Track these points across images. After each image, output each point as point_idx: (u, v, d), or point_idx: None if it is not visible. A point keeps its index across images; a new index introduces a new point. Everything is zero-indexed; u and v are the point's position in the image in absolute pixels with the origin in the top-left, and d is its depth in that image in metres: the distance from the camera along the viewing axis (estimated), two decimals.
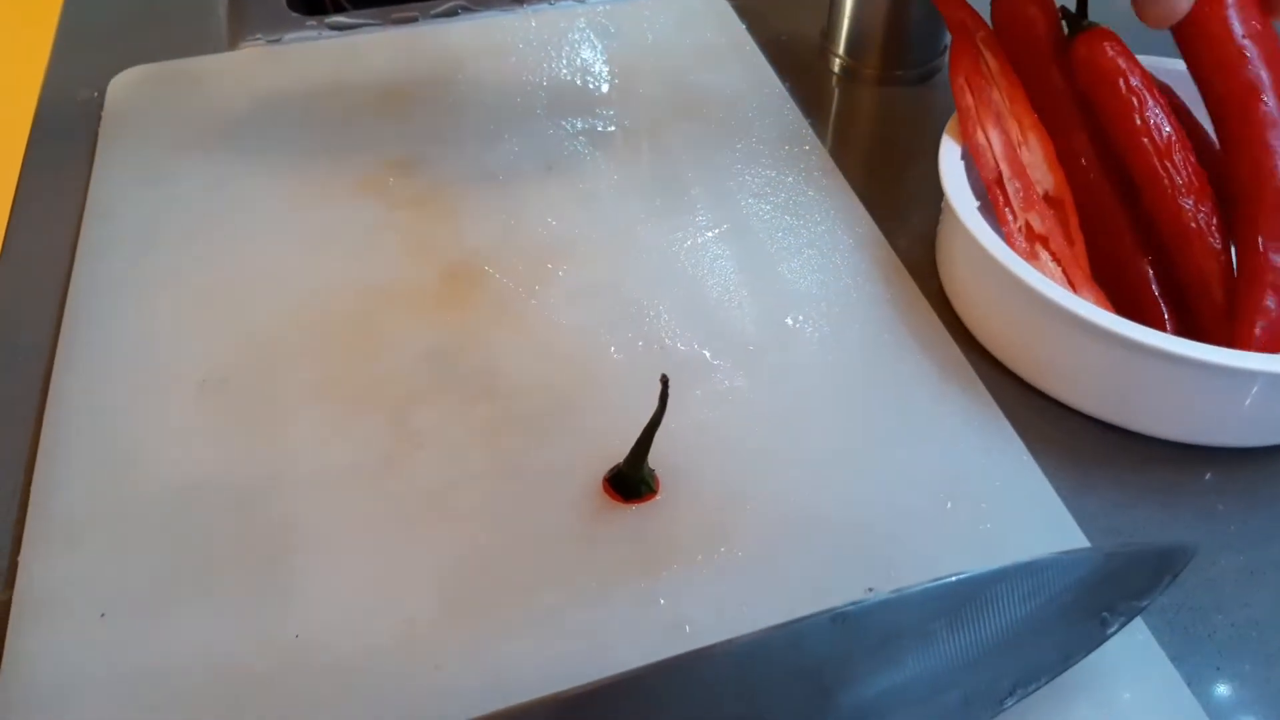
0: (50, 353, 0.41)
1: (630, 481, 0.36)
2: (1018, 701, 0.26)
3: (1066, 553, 0.27)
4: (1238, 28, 0.41)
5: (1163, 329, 0.38)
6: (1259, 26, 0.41)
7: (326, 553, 0.35)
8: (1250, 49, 0.41)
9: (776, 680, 0.25)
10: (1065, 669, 0.27)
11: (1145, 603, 0.27)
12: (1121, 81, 0.42)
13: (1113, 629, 0.27)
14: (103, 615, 0.33)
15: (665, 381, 0.33)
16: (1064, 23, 0.45)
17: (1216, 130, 0.42)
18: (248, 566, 0.34)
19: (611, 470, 0.37)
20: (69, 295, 0.44)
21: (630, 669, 0.26)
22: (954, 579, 0.26)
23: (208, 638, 0.32)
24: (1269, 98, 0.40)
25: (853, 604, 0.26)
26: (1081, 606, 0.27)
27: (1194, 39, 0.42)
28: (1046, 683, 0.26)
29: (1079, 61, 0.44)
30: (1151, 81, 0.42)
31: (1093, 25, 0.44)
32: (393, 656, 0.32)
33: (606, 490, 0.36)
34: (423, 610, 0.33)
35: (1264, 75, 0.40)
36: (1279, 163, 0.39)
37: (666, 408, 0.34)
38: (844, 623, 0.25)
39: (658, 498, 0.36)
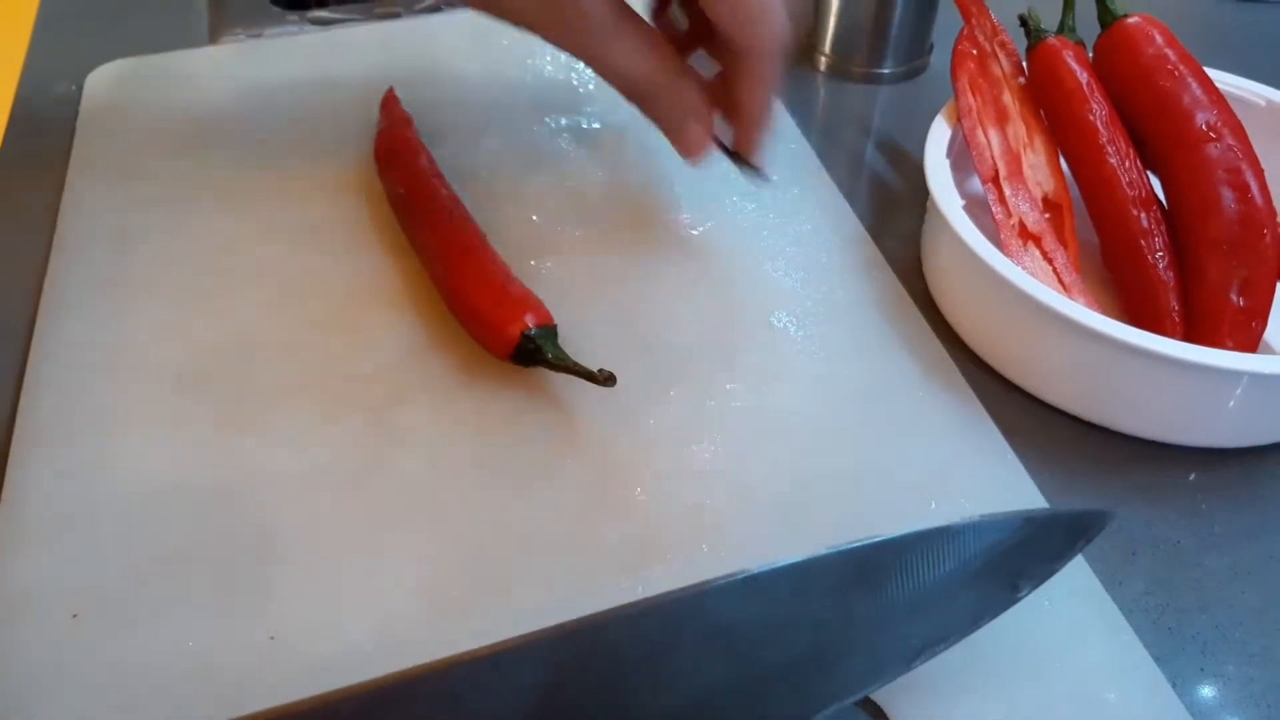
0: (24, 350, 0.41)
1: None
2: (925, 661, 0.26)
3: (986, 516, 0.27)
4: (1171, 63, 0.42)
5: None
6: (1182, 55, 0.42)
7: (303, 552, 0.34)
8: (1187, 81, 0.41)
9: (685, 642, 0.25)
10: (975, 629, 0.27)
11: (1058, 566, 0.28)
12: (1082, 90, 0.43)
13: (1023, 592, 0.27)
14: (75, 616, 0.32)
15: None
16: (1023, 31, 0.45)
17: (1156, 163, 0.42)
18: (224, 567, 0.34)
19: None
20: (44, 292, 0.43)
21: (529, 632, 0.25)
22: (869, 542, 0.25)
23: (182, 638, 0.32)
24: (1209, 130, 0.40)
25: (765, 566, 0.26)
26: (995, 569, 0.27)
27: (1127, 79, 0.43)
28: (955, 643, 0.26)
29: (1036, 71, 0.45)
30: (1106, 93, 0.43)
31: (1048, 34, 0.45)
32: (370, 657, 0.32)
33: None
34: (401, 611, 0.33)
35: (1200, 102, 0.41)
36: (1225, 198, 0.39)
37: None
38: (754, 585, 0.25)
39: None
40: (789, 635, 0.26)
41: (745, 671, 0.25)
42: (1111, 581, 0.34)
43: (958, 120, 0.45)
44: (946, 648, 0.27)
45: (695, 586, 0.26)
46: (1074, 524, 0.29)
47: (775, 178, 0.47)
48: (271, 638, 0.32)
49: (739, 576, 0.25)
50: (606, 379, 0.37)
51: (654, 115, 0.41)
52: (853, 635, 0.26)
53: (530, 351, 0.38)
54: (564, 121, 0.53)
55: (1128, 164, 0.41)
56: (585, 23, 0.38)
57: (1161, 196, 0.42)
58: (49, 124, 0.52)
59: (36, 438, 0.38)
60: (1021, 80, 0.46)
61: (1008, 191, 0.43)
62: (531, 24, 0.39)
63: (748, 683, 0.25)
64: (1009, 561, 0.27)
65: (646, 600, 0.26)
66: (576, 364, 0.38)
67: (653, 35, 0.40)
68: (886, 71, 0.57)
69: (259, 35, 0.59)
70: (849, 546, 0.27)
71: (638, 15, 0.40)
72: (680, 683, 0.25)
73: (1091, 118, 0.42)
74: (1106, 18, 0.44)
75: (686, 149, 0.42)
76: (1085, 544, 0.28)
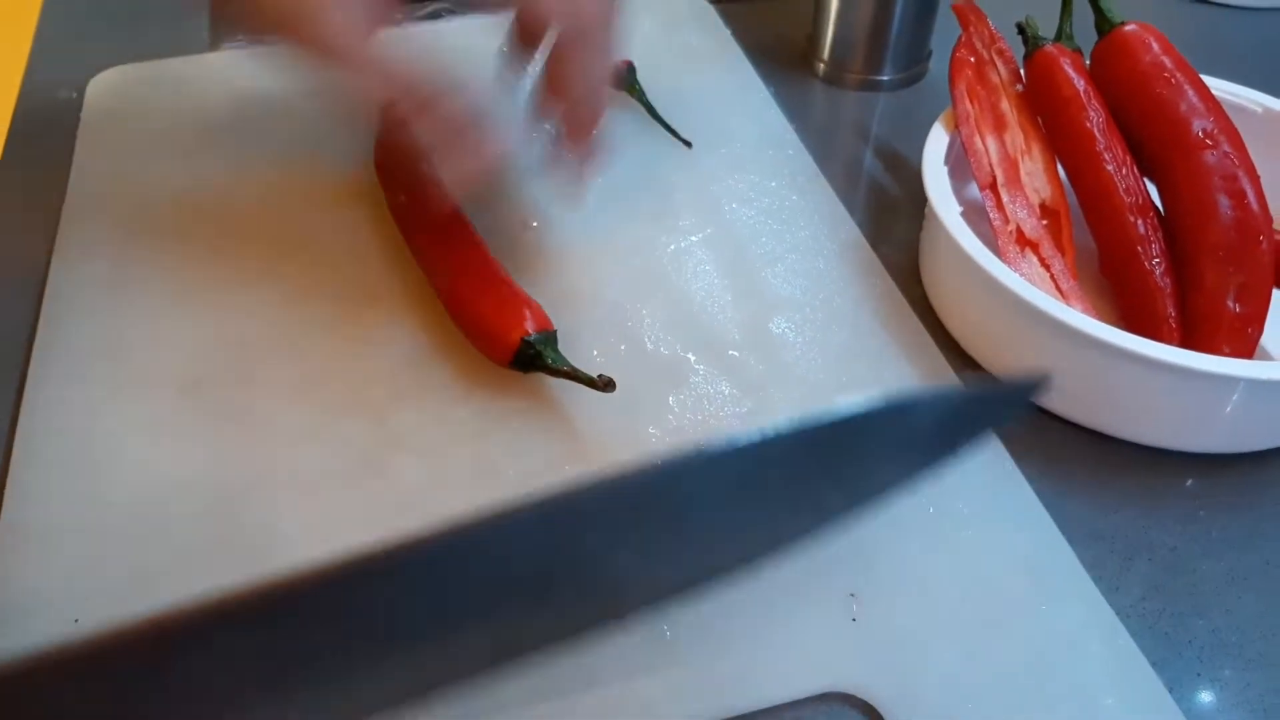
0: (25, 354, 0.41)
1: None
2: (857, 516, 0.27)
3: (927, 388, 0.27)
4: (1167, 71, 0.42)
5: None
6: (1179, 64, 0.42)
7: (305, 556, 0.34)
8: (1184, 89, 0.41)
9: (626, 515, 0.25)
10: (911, 486, 0.27)
11: (999, 428, 0.29)
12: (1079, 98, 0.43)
13: (962, 452, 0.27)
14: (76, 621, 0.32)
15: None
16: (1021, 39, 0.46)
17: (1153, 170, 0.42)
18: (225, 571, 0.34)
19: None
20: (45, 296, 0.43)
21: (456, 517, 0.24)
22: (817, 418, 0.25)
23: None
24: (1206, 138, 0.40)
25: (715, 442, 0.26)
26: (933, 432, 0.27)
27: (1124, 86, 0.43)
28: (890, 499, 0.27)
29: (1033, 78, 0.45)
30: (1103, 100, 0.43)
31: (1046, 42, 0.45)
32: None
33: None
34: None
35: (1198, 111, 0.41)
36: (1222, 204, 0.39)
37: None
38: (705, 457, 0.25)
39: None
40: (728, 503, 0.26)
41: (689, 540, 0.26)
42: (1109, 587, 0.34)
43: (955, 127, 0.45)
44: (884, 503, 0.27)
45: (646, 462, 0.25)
46: (1016, 390, 0.29)
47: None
48: None
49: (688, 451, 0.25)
50: (606, 384, 0.37)
51: (421, 134, 0.39)
52: (793, 496, 0.26)
53: (530, 357, 0.38)
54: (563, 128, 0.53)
55: (1125, 171, 0.41)
56: (340, 28, 0.37)
57: (1158, 203, 0.42)
58: (51, 129, 0.53)
59: (39, 442, 0.38)
60: (1019, 88, 0.46)
61: (1005, 198, 0.43)
62: (271, 26, 0.38)
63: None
64: (949, 425, 0.27)
65: (588, 478, 0.25)
66: (576, 369, 0.38)
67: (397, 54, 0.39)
68: (885, 79, 0.57)
69: (260, 42, 0.59)
70: (794, 421, 0.26)
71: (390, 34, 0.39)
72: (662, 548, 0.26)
73: (1089, 125, 0.42)
74: (1104, 26, 0.44)
75: (449, 170, 0.40)
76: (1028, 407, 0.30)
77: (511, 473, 0.37)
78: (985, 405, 0.28)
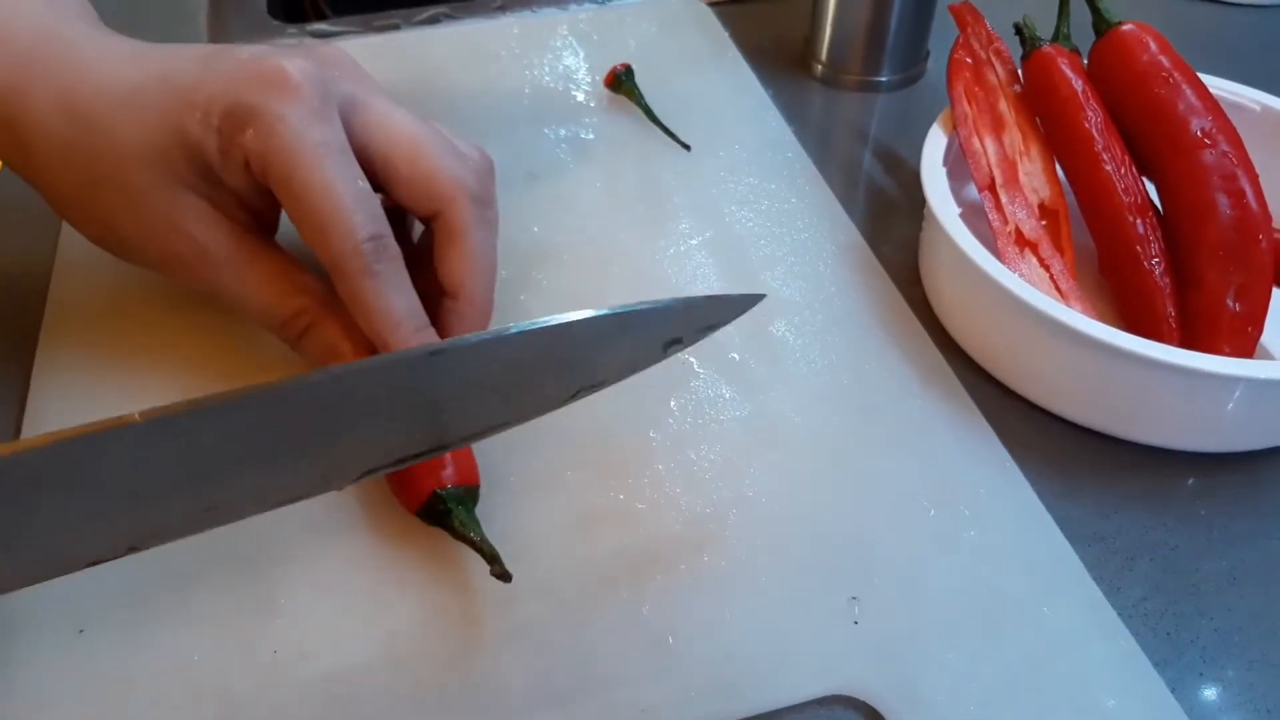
0: (29, 361, 0.41)
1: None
2: (579, 400, 0.32)
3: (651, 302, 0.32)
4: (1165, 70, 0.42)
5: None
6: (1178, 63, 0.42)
7: (306, 567, 0.34)
8: (1182, 89, 0.41)
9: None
10: (630, 375, 0.32)
11: (714, 329, 0.33)
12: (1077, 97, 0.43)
13: (674, 350, 0.32)
14: (81, 631, 0.33)
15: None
16: (1019, 39, 0.46)
17: (1152, 170, 0.42)
18: (227, 582, 0.34)
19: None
20: (48, 302, 0.43)
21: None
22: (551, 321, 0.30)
23: (186, 654, 0.32)
24: (1204, 137, 0.40)
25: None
26: (655, 333, 0.32)
27: (1122, 86, 0.43)
28: (608, 385, 0.32)
29: (1031, 79, 0.45)
30: (1101, 100, 0.43)
31: (1044, 43, 0.45)
32: (373, 671, 0.32)
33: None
34: (403, 624, 0.33)
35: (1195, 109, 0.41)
36: (1221, 204, 0.39)
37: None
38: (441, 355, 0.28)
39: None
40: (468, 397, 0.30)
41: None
42: (1110, 587, 0.34)
43: (954, 128, 0.45)
44: (599, 388, 0.32)
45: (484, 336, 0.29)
46: (734, 302, 0.33)
47: None
48: (275, 652, 0.32)
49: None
50: (501, 575, 0.32)
51: (301, 352, 0.37)
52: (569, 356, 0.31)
53: (440, 513, 0.34)
54: (563, 132, 0.53)
55: (1123, 171, 0.41)
56: (205, 258, 0.36)
57: (1157, 203, 0.42)
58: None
59: None
60: (1017, 88, 0.46)
61: (1004, 199, 0.43)
62: (153, 265, 0.37)
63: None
64: (669, 329, 0.32)
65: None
66: (483, 541, 0.33)
67: (291, 265, 0.37)
68: (883, 80, 0.57)
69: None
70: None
71: (273, 244, 0.37)
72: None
73: (1087, 125, 0.42)
74: (1101, 25, 0.44)
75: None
76: (740, 314, 0.33)
77: (512, 479, 0.37)
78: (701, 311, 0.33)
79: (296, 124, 0.33)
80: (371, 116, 0.36)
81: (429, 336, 0.35)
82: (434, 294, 0.36)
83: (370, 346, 0.35)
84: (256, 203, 0.36)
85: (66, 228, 0.47)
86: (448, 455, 0.34)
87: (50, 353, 0.42)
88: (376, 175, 0.36)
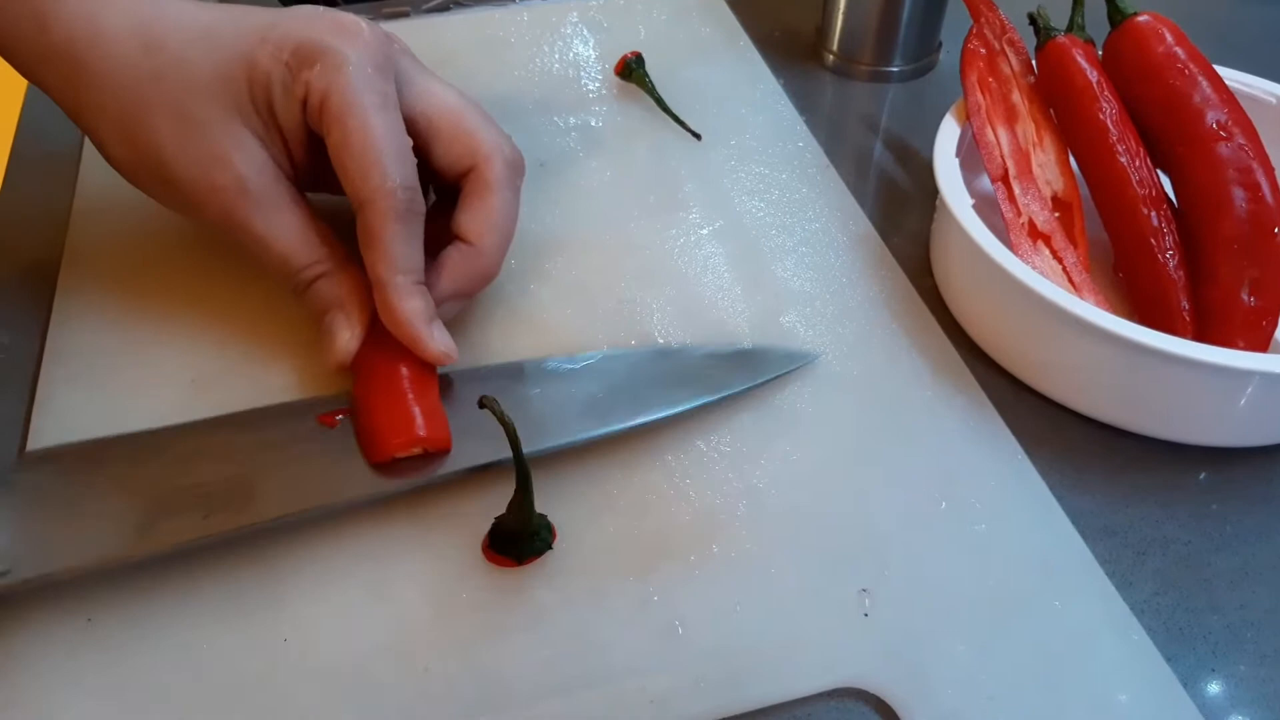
0: (39, 355, 0.41)
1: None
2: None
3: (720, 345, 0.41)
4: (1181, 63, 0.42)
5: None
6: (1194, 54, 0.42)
7: (315, 557, 0.34)
8: (1198, 80, 0.41)
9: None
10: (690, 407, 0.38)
11: (761, 381, 0.40)
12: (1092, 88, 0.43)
13: (726, 394, 0.39)
14: (90, 620, 0.33)
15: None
16: (1033, 29, 0.45)
17: (1166, 162, 0.42)
18: (236, 572, 0.34)
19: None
20: (57, 295, 0.43)
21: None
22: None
23: (196, 642, 0.32)
24: (1219, 129, 0.40)
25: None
26: (712, 378, 0.39)
27: (1137, 77, 0.42)
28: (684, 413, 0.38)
29: (1045, 69, 0.44)
30: (1115, 91, 0.43)
31: (1058, 33, 0.44)
32: (382, 659, 0.32)
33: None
34: (413, 612, 0.33)
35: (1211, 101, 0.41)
36: (1236, 197, 0.39)
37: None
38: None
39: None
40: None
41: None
42: (1123, 582, 0.34)
43: (967, 119, 0.45)
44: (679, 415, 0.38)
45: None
46: (784, 358, 0.41)
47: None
48: (285, 640, 0.32)
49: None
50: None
51: (305, 302, 0.38)
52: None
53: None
54: (572, 120, 0.53)
55: (1138, 163, 0.41)
56: (243, 193, 0.37)
57: (1172, 195, 0.42)
58: (60, 131, 0.52)
59: (51, 441, 0.38)
60: (1031, 79, 0.46)
61: (1017, 190, 0.43)
62: (184, 197, 0.37)
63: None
64: (724, 375, 0.39)
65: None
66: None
67: (316, 219, 0.38)
68: (895, 70, 0.57)
69: None
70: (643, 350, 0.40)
71: (304, 197, 0.38)
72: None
73: (1101, 116, 0.42)
74: (1116, 16, 0.44)
75: (327, 346, 0.38)
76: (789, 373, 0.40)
77: None
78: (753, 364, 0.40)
79: (361, 68, 0.36)
80: (420, 86, 0.39)
81: (424, 295, 0.37)
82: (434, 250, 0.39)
83: (370, 310, 0.37)
84: (298, 152, 0.38)
85: (84, 175, 0.47)
86: (418, 415, 0.35)
87: (68, 293, 0.43)
88: (419, 138, 0.38)
